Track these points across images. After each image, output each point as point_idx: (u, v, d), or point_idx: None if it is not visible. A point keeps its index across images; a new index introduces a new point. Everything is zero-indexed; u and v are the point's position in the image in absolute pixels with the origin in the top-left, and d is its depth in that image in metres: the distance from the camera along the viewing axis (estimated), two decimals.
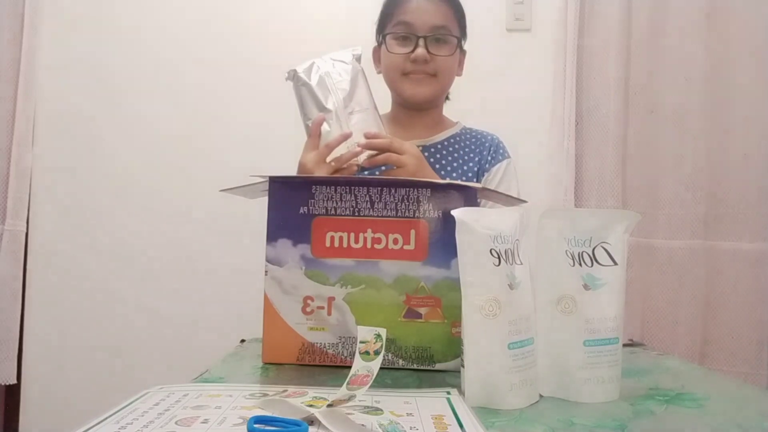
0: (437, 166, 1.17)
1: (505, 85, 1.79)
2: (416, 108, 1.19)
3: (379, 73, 1.20)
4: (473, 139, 1.24)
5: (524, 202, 0.81)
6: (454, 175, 1.18)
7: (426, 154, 1.17)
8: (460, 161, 1.20)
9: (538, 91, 1.79)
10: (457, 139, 1.23)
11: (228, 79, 1.81)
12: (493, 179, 1.21)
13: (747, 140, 1.73)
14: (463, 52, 1.20)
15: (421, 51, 1.10)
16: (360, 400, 0.50)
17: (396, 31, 1.13)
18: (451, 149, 1.21)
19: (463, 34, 1.18)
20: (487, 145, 1.24)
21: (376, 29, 1.20)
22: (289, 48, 1.81)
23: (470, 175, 1.20)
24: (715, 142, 1.74)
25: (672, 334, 1.70)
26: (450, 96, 1.26)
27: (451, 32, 1.13)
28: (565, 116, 1.73)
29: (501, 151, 1.25)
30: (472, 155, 1.22)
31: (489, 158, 1.23)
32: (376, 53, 1.21)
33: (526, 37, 1.84)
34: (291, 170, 1.00)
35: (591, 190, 1.73)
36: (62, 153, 1.81)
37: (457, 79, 1.21)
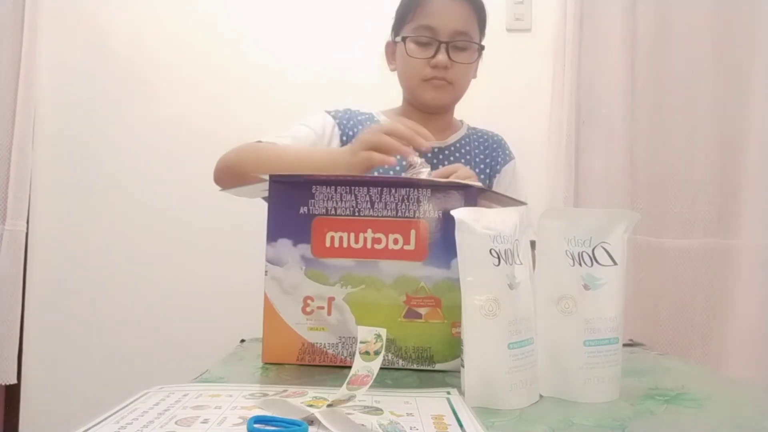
0: None
1: (506, 85, 1.79)
2: (431, 111, 1.18)
3: (393, 70, 1.19)
4: (481, 140, 1.25)
5: (524, 204, 0.81)
6: None
7: (441, 156, 1.18)
8: (472, 163, 1.20)
9: (538, 91, 1.79)
10: (468, 140, 1.23)
11: (228, 79, 1.81)
12: (504, 180, 1.22)
13: (757, 135, 1.69)
14: (480, 53, 1.16)
15: (442, 58, 1.08)
16: (360, 400, 0.50)
17: (418, 36, 1.10)
18: (463, 151, 1.21)
19: (483, 35, 1.16)
20: (494, 146, 1.25)
21: (393, 24, 1.17)
22: (289, 49, 1.82)
23: (482, 177, 1.20)
24: (725, 138, 1.70)
25: (688, 339, 1.66)
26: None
27: (472, 39, 1.11)
28: (565, 116, 1.73)
29: (508, 151, 1.26)
30: (482, 156, 1.23)
31: (499, 159, 1.23)
32: (390, 48, 1.18)
33: (526, 37, 1.84)
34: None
35: (597, 189, 1.70)
36: (62, 153, 1.81)
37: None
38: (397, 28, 1.16)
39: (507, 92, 1.79)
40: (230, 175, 1.03)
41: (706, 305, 1.66)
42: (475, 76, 1.19)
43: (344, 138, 1.16)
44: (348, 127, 1.17)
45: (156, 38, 1.82)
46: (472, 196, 0.72)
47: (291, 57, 1.80)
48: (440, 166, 1.16)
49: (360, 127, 1.18)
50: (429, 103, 1.15)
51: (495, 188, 1.20)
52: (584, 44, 1.75)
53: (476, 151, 1.22)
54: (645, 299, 1.65)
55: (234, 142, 1.88)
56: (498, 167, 1.22)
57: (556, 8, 1.77)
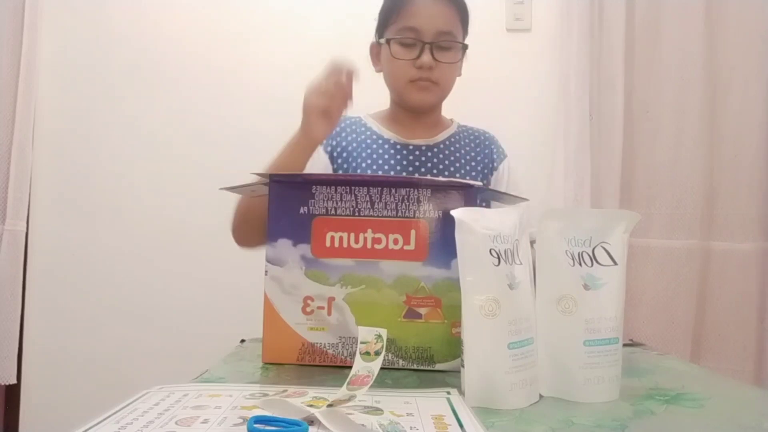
0: (440, 166, 1.18)
1: (505, 86, 1.79)
2: (419, 111, 1.19)
3: (379, 71, 1.19)
4: (472, 137, 1.25)
5: (526, 200, 0.81)
6: (458, 175, 1.18)
7: (429, 153, 1.18)
8: (462, 161, 1.20)
9: (537, 92, 1.79)
10: (457, 138, 1.23)
11: (228, 78, 1.81)
12: (502, 177, 1.22)
13: (740, 140, 1.74)
14: (464, 52, 1.17)
15: (426, 59, 1.08)
16: (360, 400, 0.50)
17: (402, 38, 1.10)
18: (452, 149, 1.21)
19: (466, 33, 1.17)
20: (486, 143, 1.25)
21: (377, 26, 1.17)
22: (288, 48, 1.82)
23: (474, 174, 1.20)
24: (710, 142, 1.74)
25: (669, 334, 1.71)
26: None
27: (456, 38, 1.12)
28: (564, 116, 1.73)
29: (501, 149, 1.27)
30: (473, 154, 1.22)
31: (494, 156, 1.24)
32: (375, 50, 1.19)
33: (526, 37, 1.84)
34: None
35: (589, 189, 1.73)
36: (62, 153, 1.81)
37: (457, 79, 1.20)
38: (380, 30, 1.16)
39: (507, 92, 1.79)
40: (245, 229, 1.07)
41: (686, 302, 1.72)
42: (459, 74, 1.19)
43: (328, 149, 1.18)
44: (336, 132, 1.18)
45: (155, 38, 1.82)
46: (472, 195, 0.72)
47: (293, 56, 1.80)
48: (429, 164, 1.17)
49: (348, 130, 1.19)
50: (416, 104, 1.16)
51: (494, 185, 1.21)
52: (584, 44, 1.75)
53: (467, 148, 1.22)
54: (633, 298, 1.70)
55: (234, 140, 1.88)
56: (494, 164, 1.23)
57: (556, 8, 1.77)
